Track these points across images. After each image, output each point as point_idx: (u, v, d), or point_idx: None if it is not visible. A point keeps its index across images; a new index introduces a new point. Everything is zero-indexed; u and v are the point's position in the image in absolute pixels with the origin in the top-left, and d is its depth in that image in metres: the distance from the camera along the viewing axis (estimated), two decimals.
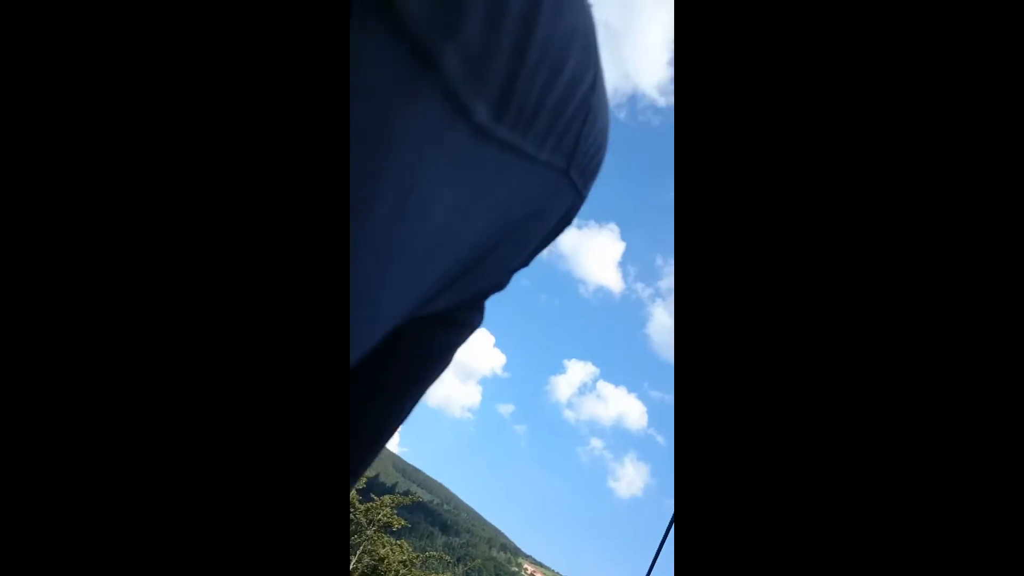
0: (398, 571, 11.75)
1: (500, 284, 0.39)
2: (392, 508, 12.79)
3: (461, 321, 0.40)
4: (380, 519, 12.43)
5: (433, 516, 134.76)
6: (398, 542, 12.59)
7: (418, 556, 12.45)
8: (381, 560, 11.83)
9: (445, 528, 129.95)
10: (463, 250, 0.31)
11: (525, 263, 0.39)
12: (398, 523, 12.82)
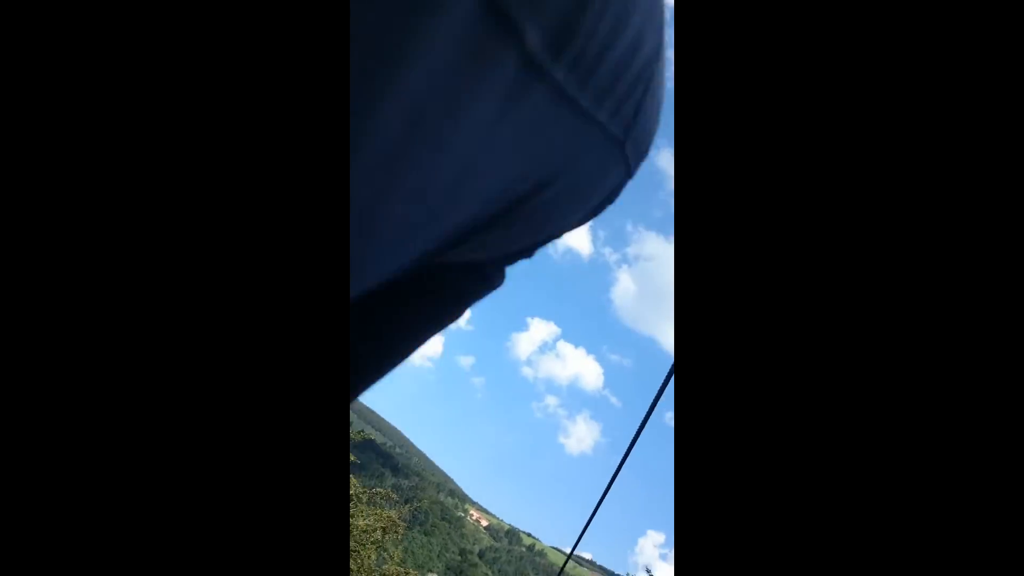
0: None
1: (527, 251, 0.37)
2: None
3: (481, 275, 0.38)
4: None
5: (384, 457, 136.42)
6: None
7: (365, 491, 11.77)
8: None
9: (396, 470, 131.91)
10: (492, 194, 0.28)
11: (557, 234, 0.36)
12: (358, 437, 12.14)
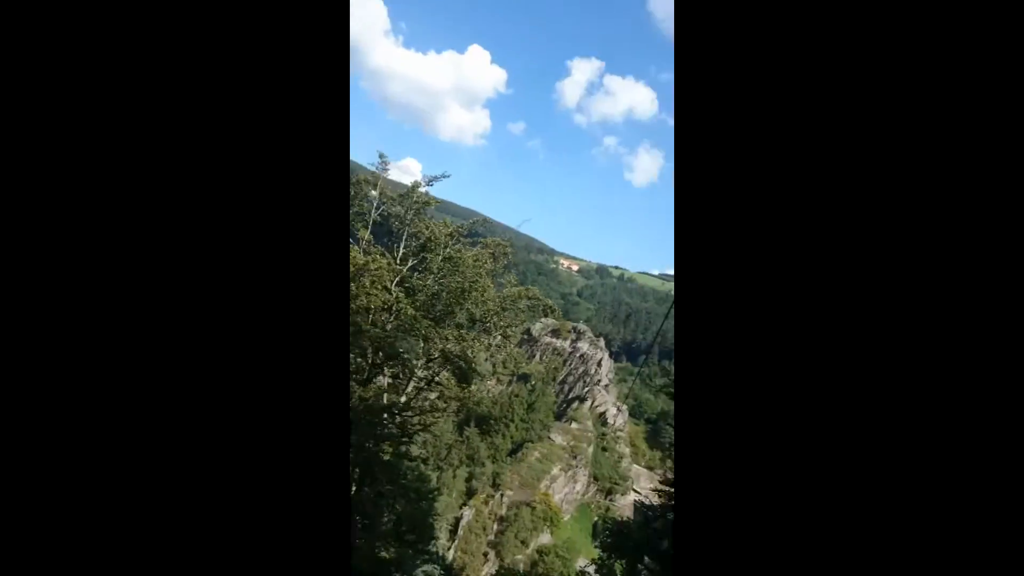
0: (446, 243, 12.28)
1: None
2: (425, 198, 12.94)
3: None
4: (416, 202, 12.69)
5: (468, 235, 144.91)
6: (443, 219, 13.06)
7: (459, 227, 12.86)
8: (429, 237, 12.31)
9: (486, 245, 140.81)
10: None
11: None
12: (434, 202, 12.99)
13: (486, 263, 12.44)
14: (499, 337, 12.88)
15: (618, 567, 8.96)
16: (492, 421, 47.76)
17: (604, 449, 48.86)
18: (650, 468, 56.64)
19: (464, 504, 38.20)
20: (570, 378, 58.37)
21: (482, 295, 12.15)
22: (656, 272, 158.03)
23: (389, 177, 14.17)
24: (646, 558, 7.51)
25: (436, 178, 13.43)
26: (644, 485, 52.63)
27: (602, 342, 64.41)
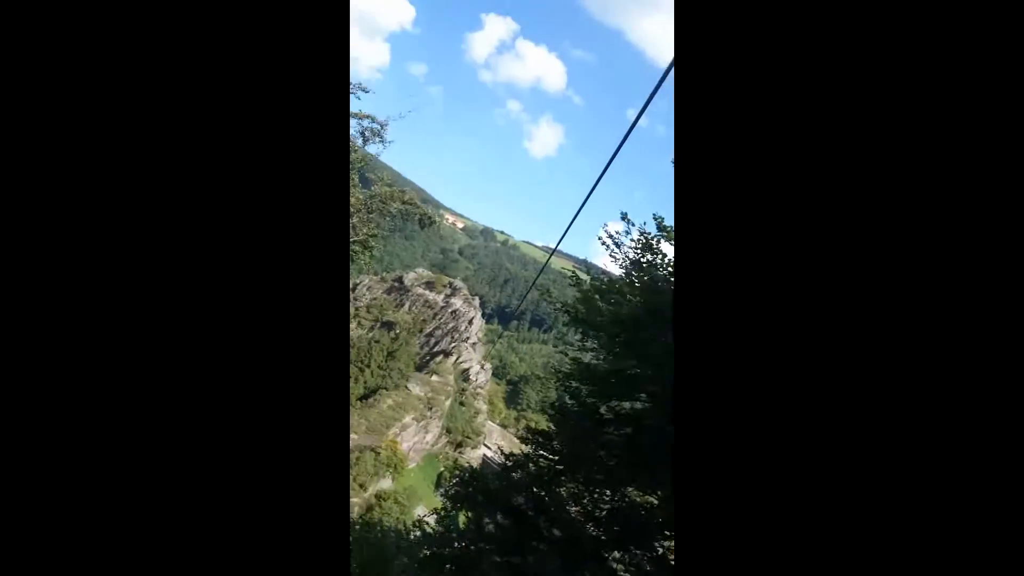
0: None
1: None
2: None
3: None
4: None
5: (352, 171, 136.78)
6: None
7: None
8: None
9: (365, 182, 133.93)
10: None
11: None
12: None
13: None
14: (357, 247, 11.14)
15: (461, 518, 8.09)
16: None
17: (462, 404, 49.02)
18: (504, 426, 58.47)
19: None
20: (438, 332, 57.51)
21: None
22: (540, 244, 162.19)
23: None
24: (498, 513, 6.66)
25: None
26: (495, 440, 54.25)
27: (477, 301, 64.25)
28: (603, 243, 6.52)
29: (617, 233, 6.48)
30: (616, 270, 6.62)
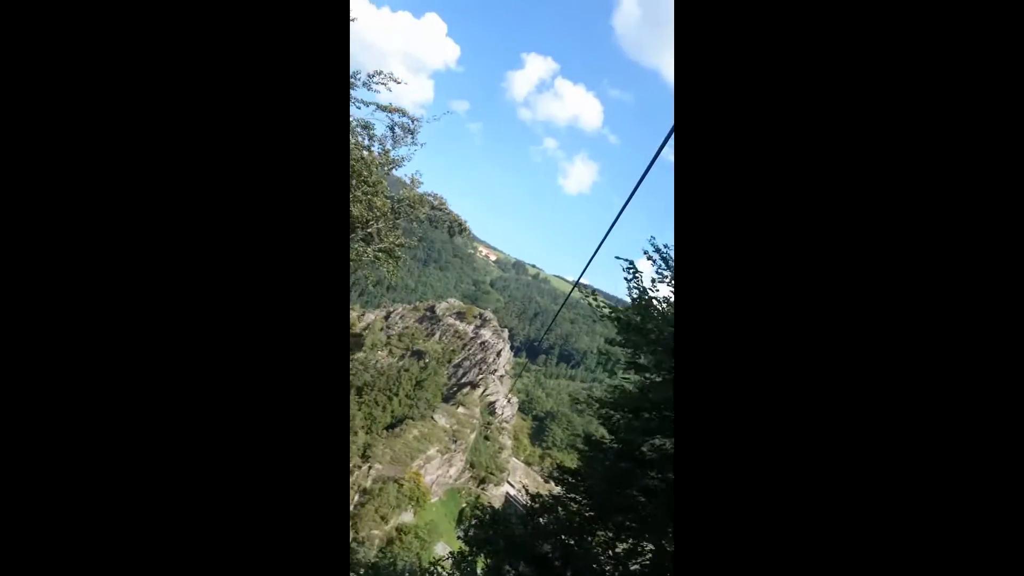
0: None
1: None
2: None
3: None
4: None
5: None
6: None
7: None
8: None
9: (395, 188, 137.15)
10: None
11: None
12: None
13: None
14: (379, 253, 10.61)
15: (480, 564, 7.44)
16: (375, 391, 45.40)
17: (487, 438, 47.99)
18: (528, 464, 56.93)
19: None
20: (466, 363, 57.06)
21: (373, 188, 9.76)
22: (571, 278, 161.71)
23: None
24: (521, 563, 6.04)
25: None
26: (519, 479, 52.77)
27: (506, 333, 63.75)
28: (629, 277, 6.03)
29: (637, 272, 6.02)
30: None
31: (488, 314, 66.40)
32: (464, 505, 41.28)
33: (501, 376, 56.69)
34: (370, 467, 36.32)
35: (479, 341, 58.58)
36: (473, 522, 7.30)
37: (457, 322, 62.14)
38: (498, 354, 57.98)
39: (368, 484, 35.20)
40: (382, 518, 33.31)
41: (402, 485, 35.50)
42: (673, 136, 1.31)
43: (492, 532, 6.65)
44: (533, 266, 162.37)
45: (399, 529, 33.66)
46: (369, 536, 32.14)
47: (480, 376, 54.82)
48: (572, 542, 6.11)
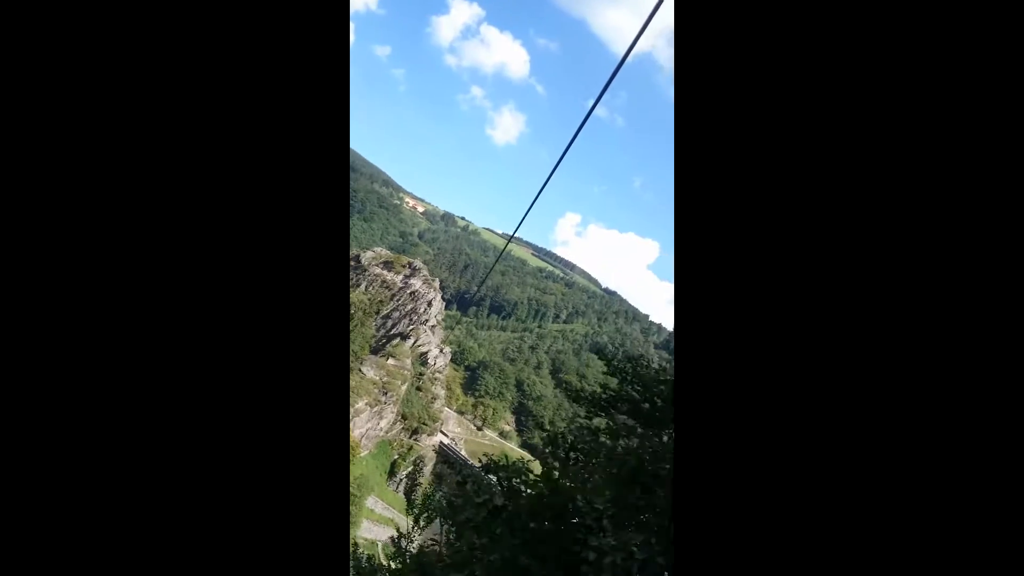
0: None
1: None
2: None
3: None
4: None
5: None
6: None
7: None
8: None
9: None
10: None
11: None
12: None
13: None
14: None
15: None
16: None
17: (419, 389, 46.61)
18: (461, 412, 56.53)
19: None
20: (395, 314, 54.76)
21: None
22: (500, 231, 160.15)
23: None
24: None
25: None
26: (452, 428, 52.30)
27: (437, 283, 61.71)
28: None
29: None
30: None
31: (418, 263, 63.85)
32: (396, 457, 40.04)
33: (433, 327, 55.04)
34: None
35: (409, 291, 56.26)
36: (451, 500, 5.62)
37: (385, 272, 59.28)
38: (429, 304, 56.08)
39: None
40: None
41: None
42: (674, 137, 1.31)
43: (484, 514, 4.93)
44: (462, 218, 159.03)
45: None
46: None
47: (411, 327, 52.88)
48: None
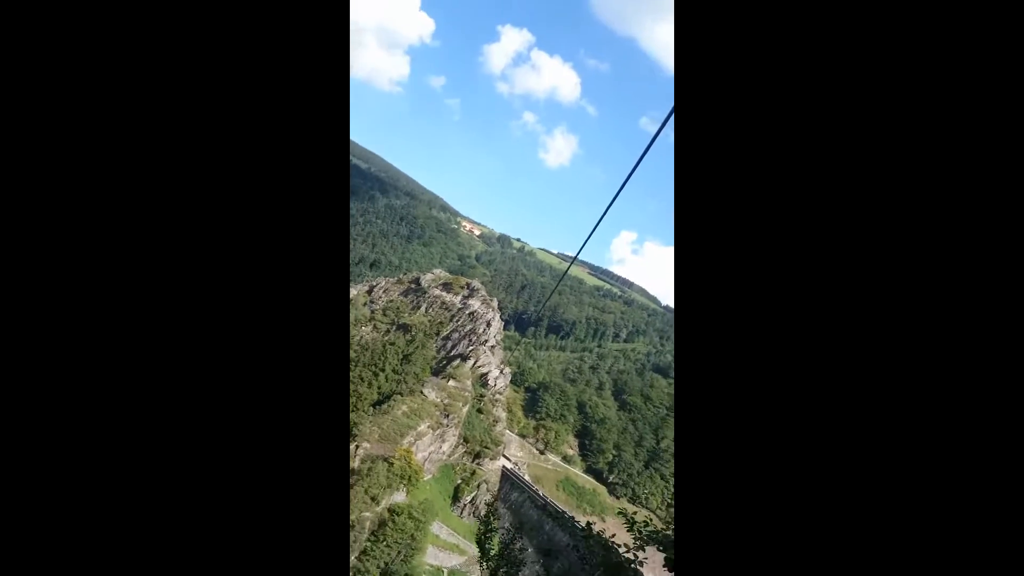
0: None
1: None
2: None
3: None
4: None
5: (372, 181, 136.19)
6: None
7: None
8: None
9: (385, 192, 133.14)
10: None
11: None
12: None
13: None
14: None
15: None
16: (360, 367, 42.88)
17: (480, 411, 45.92)
18: (523, 436, 55.26)
19: None
20: (455, 335, 54.66)
21: None
22: (556, 251, 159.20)
23: None
24: None
25: None
26: (514, 452, 51.08)
27: (495, 302, 61.35)
28: None
29: None
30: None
31: (476, 284, 63.77)
32: (459, 481, 39.33)
33: (492, 347, 54.46)
34: (357, 446, 33.99)
35: (468, 311, 56.11)
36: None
37: (444, 293, 59.53)
38: (488, 324, 55.65)
39: (356, 464, 32.90)
40: (372, 499, 31.13)
41: (392, 464, 33.29)
42: (673, 120, 1.26)
43: None
44: (518, 239, 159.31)
45: (391, 510, 31.56)
46: (360, 519, 29.98)
47: (470, 348, 52.53)
48: None
